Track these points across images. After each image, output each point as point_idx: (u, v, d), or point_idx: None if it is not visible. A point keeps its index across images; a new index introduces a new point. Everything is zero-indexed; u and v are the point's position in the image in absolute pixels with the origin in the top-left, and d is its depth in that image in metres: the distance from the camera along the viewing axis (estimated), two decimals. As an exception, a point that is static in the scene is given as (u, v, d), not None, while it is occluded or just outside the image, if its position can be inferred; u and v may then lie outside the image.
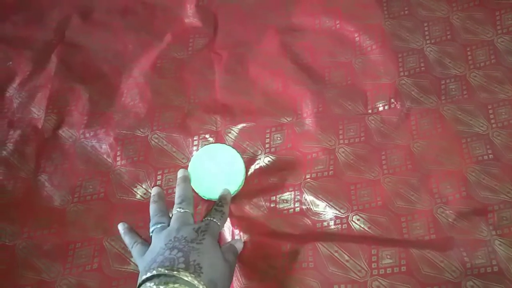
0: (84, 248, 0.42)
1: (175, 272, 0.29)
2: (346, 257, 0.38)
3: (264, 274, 0.39)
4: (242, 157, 0.42)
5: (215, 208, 0.38)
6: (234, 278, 0.38)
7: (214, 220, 0.36)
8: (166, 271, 0.29)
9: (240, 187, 0.42)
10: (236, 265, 0.39)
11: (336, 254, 0.38)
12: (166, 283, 0.28)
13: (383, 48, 0.47)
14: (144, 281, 0.30)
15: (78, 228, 0.43)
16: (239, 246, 0.39)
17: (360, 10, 0.49)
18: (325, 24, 0.50)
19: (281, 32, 0.50)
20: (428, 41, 0.47)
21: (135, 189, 0.44)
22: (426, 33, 0.48)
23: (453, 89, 0.45)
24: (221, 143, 0.44)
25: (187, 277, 0.29)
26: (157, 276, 0.29)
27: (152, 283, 0.29)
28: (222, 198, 0.39)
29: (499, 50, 0.45)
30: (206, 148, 0.43)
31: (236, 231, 0.41)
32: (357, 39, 0.48)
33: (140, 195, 0.44)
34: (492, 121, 0.43)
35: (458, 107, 0.44)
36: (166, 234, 0.34)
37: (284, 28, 0.51)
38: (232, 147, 0.43)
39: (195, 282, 0.29)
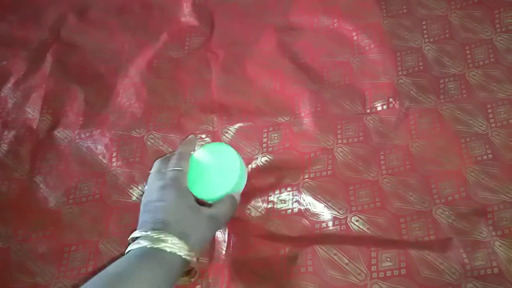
0: (79, 251, 0.42)
1: (148, 233, 0.33)
2: (346, 260, 0.38)
3: (262, 278, 0.38)
4: (240, 156, 0.41)
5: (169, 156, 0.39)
6: (231, 281, 0.38)
7: (175, 168, 0.37)
8: (142, 233, 0.34)
9: (241, 187, 0.40)
10: (233, 269, 0.38)
11: (335, 257, 0.38)
12: (145, 241, 0.33)
13: (381, 47, 0.47)
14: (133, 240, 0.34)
15: (73, 230, 0.42)
16: (237, 197, 0.39)
17: (359, 9, 0.49)
18: (323, 23, 0.50)
19: (278, 31, 0.50)
20: (426, 40, 0.47)
21: (130, 191, 0.44)
22: (425, 31, 0.47)
23: (452, 88, 0.45)
24: (219, 142, 0.43)
25: (156, 234, 0.33)
26: (139, 237, 0.34)
27: (135, 244, 0.33)
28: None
29: (498, 49, 0.45)
30: (204, 148, 0.42)
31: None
32: (355, 38, 0.48)
33: (136, 197, 0.44)
34: (491, 120, 0.43)
35: (457, 106, 0.44)
36: (144, 198, 0.37)
37: (281, 27, 0.50)
38: (231, 147, 0.41)
39: (162, 236, 0.33)
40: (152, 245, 0.32)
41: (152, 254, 0.32)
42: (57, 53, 0.52)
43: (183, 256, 0.33)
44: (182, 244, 0.33)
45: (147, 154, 0.45)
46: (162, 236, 0.32)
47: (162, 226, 0.33)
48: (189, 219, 0.35)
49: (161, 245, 0.32)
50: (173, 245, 0.32)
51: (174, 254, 0.32)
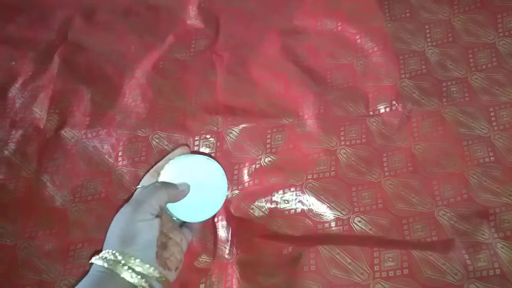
0: (85, 249, 0.42)
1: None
2: (349, 260, 0.38)
3: (265, 277, 0.39)
4: (224, 172, 0.39)
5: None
6: (234, 280, 0.38)
7: (137, 187, 0.38)
8: None
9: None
10: (237, 268, 0.38)
11: (338, 257, 0.38)
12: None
13: (384, 50, 0.47)
14: None
15: (79, 228, 0.43)
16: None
17: (362, 12, 0.49)
18: (327, 26, 0.50)
19: (283, 34, 0.50)
20: (429, 43, 0.47)
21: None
22: (428, 35, 0.48)
23: (455, 92, 0.45)
24: (199, 153, 0.41)
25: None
26: None
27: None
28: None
29: (501, 53, 0.45)
30: (182, 160, 0.39)
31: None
32: (358, 41, 0.49)
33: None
34: (494, 123, 0.43)
35: (459, 109, 0.44)
36: None
37: (286, 30, 0.51)
38: (214, 161, 0.39)
39: (105, 253, 0.33)
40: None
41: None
42: (65, 54, 0.52)
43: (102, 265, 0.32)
44: (110, 256, 0.32)
45: (152, 153, 0.45)
46: (104, 253, 0.33)
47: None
48: (117, 218, 0.35)
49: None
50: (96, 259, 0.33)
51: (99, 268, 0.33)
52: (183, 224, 0.39)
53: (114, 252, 0.32)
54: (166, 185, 0.37)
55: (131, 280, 0.32)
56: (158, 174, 0.39)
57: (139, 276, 0.32)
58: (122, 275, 0.32)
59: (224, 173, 0.39)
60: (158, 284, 0.33)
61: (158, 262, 0.33)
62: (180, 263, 0.36)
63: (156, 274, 0.33)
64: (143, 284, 0.32)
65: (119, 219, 0.34)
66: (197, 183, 0.38)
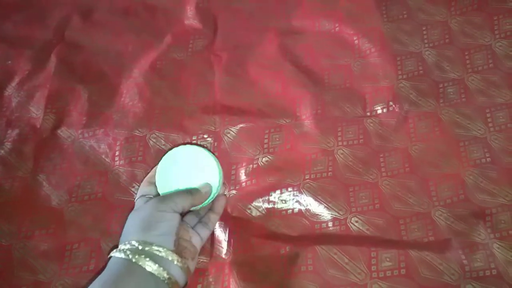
0: (81, 249, 0.42)
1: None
2: (346, 260, 0.38)
3: (263, 277, 0.39)
4: (218, 163, 0.40)
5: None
6: (231, 280, 0.38)
7: (136, 198, 0.40)
8: None
9: (213, 198, 0.39)
10: (234, 268, 0.38)
11: (335, 257, 0.38)
12: None
13: (382, 51, 0.48)
14: None
15: (76, 228, 0.43)
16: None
17: (360, 14, 0.50)
18: (325, 27, 0.50)
19: (281, 35, 0.51)
20: (426, 45, 0.48)
21: (133, 189, 0.44)
22: (425, 36, 0.48)
23: (451, 93, 0.45)
24: (197, 146, 0.41)
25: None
26: None
27: None
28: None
29: (497, 55, 0.46)
30: (177, 150, 0.40)
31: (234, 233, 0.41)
32: (356, 42, 0.49)
33: (138, 196, 0.44)
34: (490, 124, 0.43)
35: (456, 110, 0.44)
36: None
37: (284, 30, 0.51)
38: (209, 151, 0.40)
39: (122, 245, 0.34)
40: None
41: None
42: (62, 53, 0.52)
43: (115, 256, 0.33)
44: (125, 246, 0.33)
45: (149, 153, 0.45)
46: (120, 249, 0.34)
47: None
48: (143, 212, 0.36)
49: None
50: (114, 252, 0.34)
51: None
52: (198, 222, 0.39)
53: (132, 241, 0.33)
54: (190, 190, 0.38)
55: (151, 269, 0.32)
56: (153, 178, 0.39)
57: (157, 265, 0.32)
58: (140, 263, 0.32)
59: (220, 170, 0.40)
60: (180, 271, 0.33)
61: (175, 250, 0.34)
62: (195, 254, 0.37)
63: (176, 258, 0.33)
64: (162, 273, 0.32)
65: (140, 212, 0.36)
66: (190, 175, 0.39)
